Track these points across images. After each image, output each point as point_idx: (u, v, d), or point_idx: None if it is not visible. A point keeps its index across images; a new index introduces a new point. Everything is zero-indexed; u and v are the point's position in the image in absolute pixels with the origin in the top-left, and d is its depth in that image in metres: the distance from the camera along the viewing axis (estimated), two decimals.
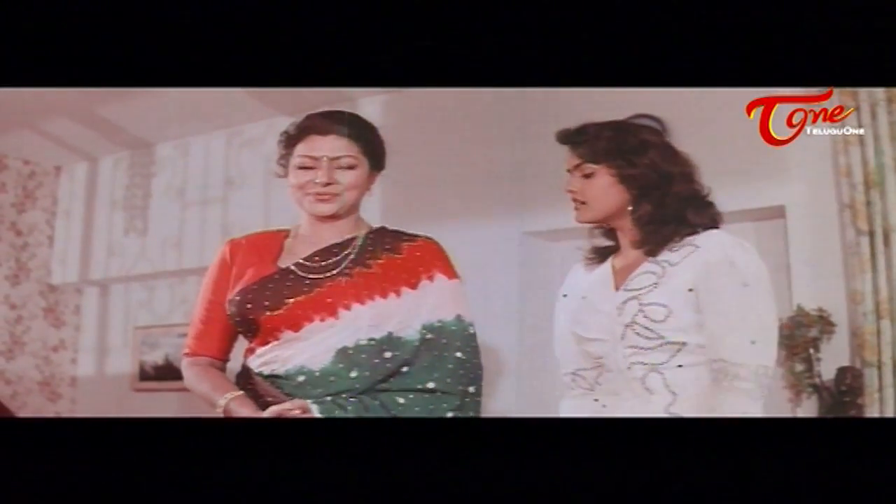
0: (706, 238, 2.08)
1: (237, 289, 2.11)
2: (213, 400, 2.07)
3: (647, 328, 2.05)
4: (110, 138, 5.96)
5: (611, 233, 2.24)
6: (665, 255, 2.10)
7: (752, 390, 1.95)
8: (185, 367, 2.19)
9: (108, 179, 6.34)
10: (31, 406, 6.13)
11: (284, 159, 2.15)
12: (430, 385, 2.04)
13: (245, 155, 5.66)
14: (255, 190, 5.49)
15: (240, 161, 5.70)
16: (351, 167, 2.11)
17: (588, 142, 2.14)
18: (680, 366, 2.02)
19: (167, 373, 5.94)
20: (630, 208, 2.13)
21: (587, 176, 2.14)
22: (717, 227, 2.12)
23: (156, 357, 6.03)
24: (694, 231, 2.09)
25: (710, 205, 2.14)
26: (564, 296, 2.30)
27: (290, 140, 2.14)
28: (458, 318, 2.12)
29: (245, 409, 2.02)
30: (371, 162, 2.15)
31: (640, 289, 2.08)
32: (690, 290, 2.03)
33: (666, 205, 2.10)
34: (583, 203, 2.17)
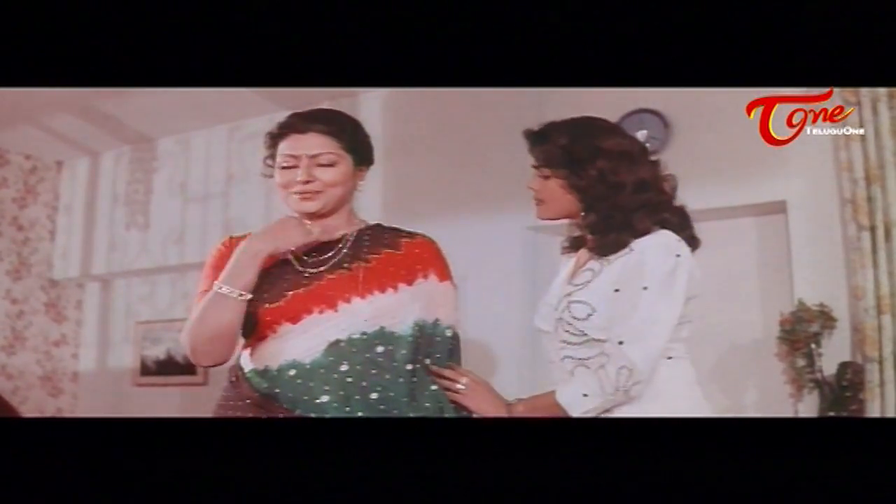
0: (644, 239, 2.07)
1: None
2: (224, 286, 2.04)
3: (571, 325, 2.09)
4: (112, 133, 5.97)
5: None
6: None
7: (605, 384, 1.98)
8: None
9: (109, 174, 6.35)
10: (33, 401, 6.15)
11: (270, 159, 2.16)
12: (435, 387, 2.08)
13: (247, 149, 5.66)
14: (257, 185, 5.49)
15: (241, 156, 5.70)
16: (331, 164, 2.10)
17: (545, 145, 2.17)
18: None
19: (169, 368, 5.96)
20: (582, 214, 2.15)
21: (545, 177, 2.18)
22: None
23: (157, 352, 6.04)
24: (637, 235, 2.08)
25: (664, 210, 2.13)
26: None
27: (273, 140, 2.14)
28: (444, 319, 2.13)
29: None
30: (355, 158, 2.14)
31: (577, 285, 2.13)
32: (616, 290, 2.05)
33: (612, 216, 2.10)
34: (542, 201, 2.20)
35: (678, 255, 2.05)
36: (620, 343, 1.99)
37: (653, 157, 2.17)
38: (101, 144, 6.20)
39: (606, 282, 2.07)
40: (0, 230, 6.13)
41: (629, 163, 2.12)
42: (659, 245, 2.06)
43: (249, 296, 2.04)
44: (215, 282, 2.05)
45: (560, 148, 2.14)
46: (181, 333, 2.10)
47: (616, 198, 2.10)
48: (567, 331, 2.10)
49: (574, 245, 2.29)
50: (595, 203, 2.12)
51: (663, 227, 2.09)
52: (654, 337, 2.01)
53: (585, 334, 2.07)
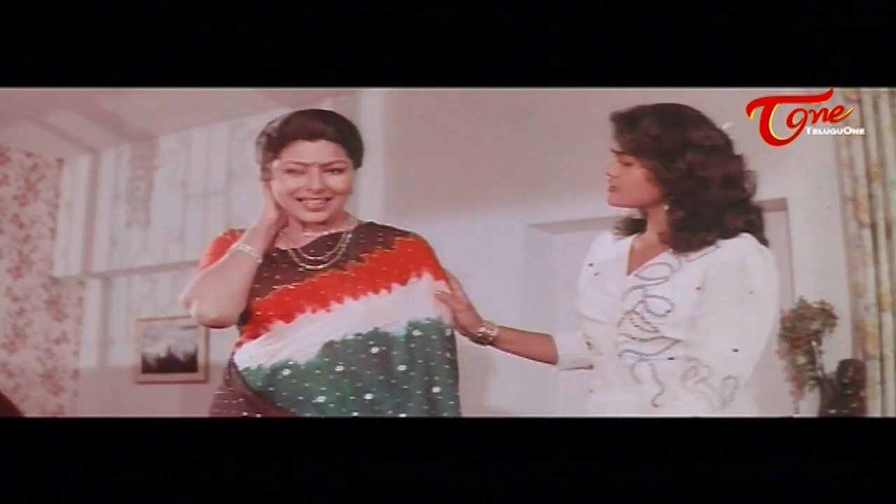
0: (736, 241, 2.03)
1: None
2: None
3: (644, 320, 2.04)
4: (113, 130, 5.96)
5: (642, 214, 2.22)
6: None
7: (712, 398, 1.93)
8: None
9: (110, 172, 6.34)
10: (33, 399, 6.15)
11: (268, 163, 2.13)
12: (436, 390, 2.06)
13: (247, 147, 5.61)
14: (258, 182, 5.47)
15: (242, 153, 5.69)
16: (340, 171, 2.10)
17: (635, 133, 2.08)
18: (671, 358, 2.02)
19: (169, 365, 5.95)
20: (666, 208, 2.09)
21: (626, 164, 2.10)
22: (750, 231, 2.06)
23: (158, 350, 6.04)
24: (727, 235, 2.04)
25: (751, 209, 2.08)
26: (590, 265, 2.29)
27: (274, 144, 2.10)
28: (440, 318, 2.13)
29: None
30: (355, 163, 2.14)
31: (651, 279, 2.07)
32: (698, 288, 2.01)
33: (701, 213, 2.04)
34: (616, 188, 2.13)
35: (773, 260, 2.03)
36: (735, 350, 1.94)
37: (737, 152, 2.11)
38: (102, 142, 6.19)
39: (689, 279, 2.02)
40: (1, 227, 6.13)
41: (718, 156, 2.06)
42: (756, 248, 2.02)
43: (261, 259, 2.10)
44: (234, 244, 2.13)
45: (651, 138, 2.06)
46: (183, 292, 2.14)
47: (702, 193, 2.04)
48: (637, 325, 2.04)
49: (630, 228, 2.25)
50: (681, 198, 2.06)
51: (750, 227, 2.05)
52: (760, 343, 1.99)
53: (657, 330, 2.02)
